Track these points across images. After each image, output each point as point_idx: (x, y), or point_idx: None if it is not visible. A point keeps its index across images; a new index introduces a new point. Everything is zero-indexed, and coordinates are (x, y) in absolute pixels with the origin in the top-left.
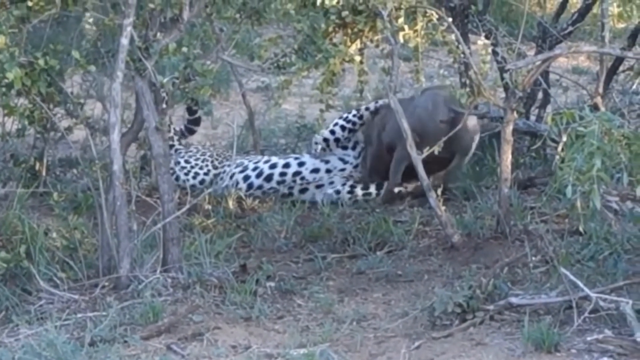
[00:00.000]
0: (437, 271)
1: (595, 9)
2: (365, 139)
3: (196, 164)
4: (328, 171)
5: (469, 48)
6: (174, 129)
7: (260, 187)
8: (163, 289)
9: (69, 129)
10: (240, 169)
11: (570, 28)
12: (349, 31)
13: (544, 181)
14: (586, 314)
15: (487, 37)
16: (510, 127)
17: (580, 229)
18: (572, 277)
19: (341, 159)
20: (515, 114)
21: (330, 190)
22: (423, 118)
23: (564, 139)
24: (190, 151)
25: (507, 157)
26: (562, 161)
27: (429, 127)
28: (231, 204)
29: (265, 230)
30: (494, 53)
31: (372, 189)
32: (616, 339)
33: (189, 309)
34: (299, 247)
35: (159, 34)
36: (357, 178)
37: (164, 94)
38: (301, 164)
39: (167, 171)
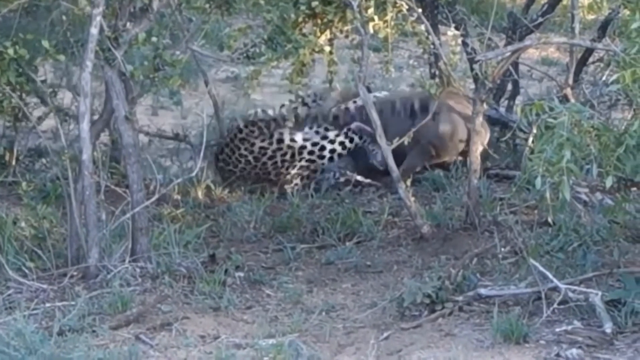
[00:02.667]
0: (406, 262)
1: (565, 1)
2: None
3: None
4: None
5: (438, 39)
6: None
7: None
8: (132, 279)
9: (40, 119)
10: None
11: (540, 19)
12: (319, 21)
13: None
14: (555, 305)
15: (457, 28)
16: (480, 118)
17: (550, 220)
18: (541, 268)
19: None
20: (484, 105)
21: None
22: (444, 138)
23: (534, 130)
24: None
25: (476, 148)
26: (532, 152)
27: (448, 146)
28: (200, 194)
29: (234, 221)
30: (464, 44)
31: None
32: (585, 330)
33: (157, 298)
34: (268, 238)
35: (128, 23)
36: None
37: None
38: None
39: (137, 161)
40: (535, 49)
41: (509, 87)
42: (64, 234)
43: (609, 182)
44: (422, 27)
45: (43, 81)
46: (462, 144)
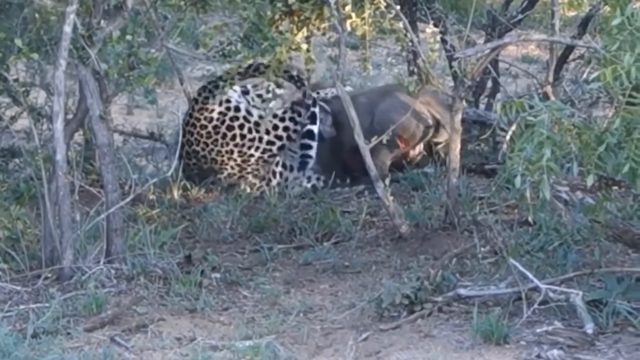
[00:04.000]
0: (385, 262)
1: None
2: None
3: None
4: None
5: (417, 36)
6: None
7: None
8: (107, 280)
9: (13, 118)
10: None
11: (520, 16)
12: (296, 19)
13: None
14: (536, 306)
15: (435, 25)
16: (459, 116)
17: (530, 219)
18: (521, 268)
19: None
20: (464, 102)
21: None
22: (408, 125)
23: (514, 128)
24: None
25: (456, 147)
26: (512, 151)
27: (416, 133)
28: (176, 194)
29: (210, 221)
30: (443, 41)
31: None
32: (566, 331)
33: (133, 300)
34: (245, 238)
35: (102, 21)
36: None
37: None
38: None
39: (112, 161)
40: (515, 46)
41: (489, 84)
42: (38, 235)
43: (589, 180)
44: (401, 25)
45: (15, 80)
46: (428, 130)
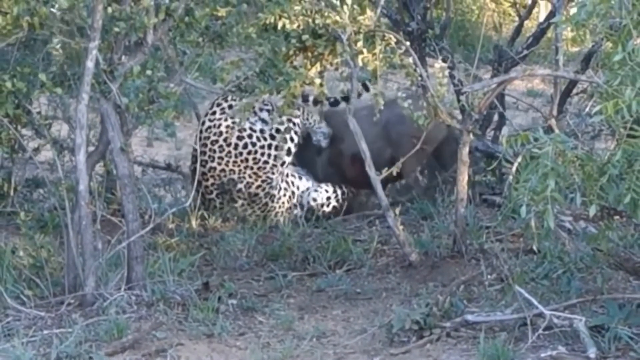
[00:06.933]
0: (395, 289)
1: (550, 33)
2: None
3: None
4: None
5: (426, 71)
6: None
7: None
8: (127, 306)
9: (36, 150)
10: None
11: (525, 52)
12: (309, 54)
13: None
14: (540, 331)
15: (444, 61)
16: (467, 149)
17: (535, 248)
18: (526, 295)
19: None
20: (471, 135)
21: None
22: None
23: (519, 160)
24: None
25: (464, 178)
26: (517, 182)
27: (403, 144)
28: (194, 223)
29: (227, 249)
30: (451, 76)
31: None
32: (569, 356)
33: (152, 325)
34: (260, 266)
35: (123, 57)
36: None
37: None
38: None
39: (132, 191)
40: (520, 81)
41: (495, 118)
42: (62, 262)
43: (592, 210)
44: (410, 60)
45: (39, 113)
46: (415, 140)
